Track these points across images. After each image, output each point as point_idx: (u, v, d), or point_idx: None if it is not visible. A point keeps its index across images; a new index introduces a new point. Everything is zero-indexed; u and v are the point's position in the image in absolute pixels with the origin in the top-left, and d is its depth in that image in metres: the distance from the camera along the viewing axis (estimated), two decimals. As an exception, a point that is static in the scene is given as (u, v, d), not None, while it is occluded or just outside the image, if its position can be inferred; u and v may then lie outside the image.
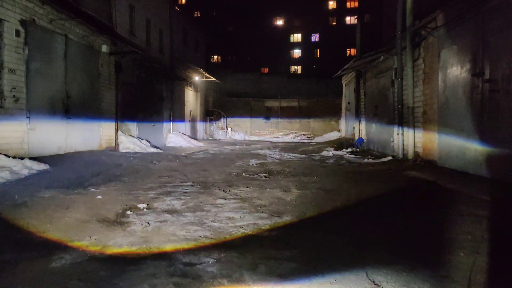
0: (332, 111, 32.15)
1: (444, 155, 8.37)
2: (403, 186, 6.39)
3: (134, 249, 3.26)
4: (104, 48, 11.89)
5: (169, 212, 4.62)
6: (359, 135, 16.69)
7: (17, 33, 8.18)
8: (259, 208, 4.87)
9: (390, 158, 10.73)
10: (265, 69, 55.24)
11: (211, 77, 25.30)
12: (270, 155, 13.04)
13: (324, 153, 13.90)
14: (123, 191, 5.92)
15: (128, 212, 4.56)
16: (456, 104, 7.88)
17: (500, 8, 6.43)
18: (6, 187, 5.83)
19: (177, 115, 20.95)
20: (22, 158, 7.47)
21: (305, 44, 57.44)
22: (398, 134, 10.72)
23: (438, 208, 4.73)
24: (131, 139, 13.30)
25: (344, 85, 23.52)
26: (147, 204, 4.99)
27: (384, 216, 4.41)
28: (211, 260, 3.00)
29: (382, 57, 12.60)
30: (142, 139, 14.06)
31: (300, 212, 4.64)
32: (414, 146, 9.97)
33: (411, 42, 9.78)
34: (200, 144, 19.39)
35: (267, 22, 57.19)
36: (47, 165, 7.56)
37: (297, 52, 58.42)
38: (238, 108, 33.79)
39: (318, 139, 27.23)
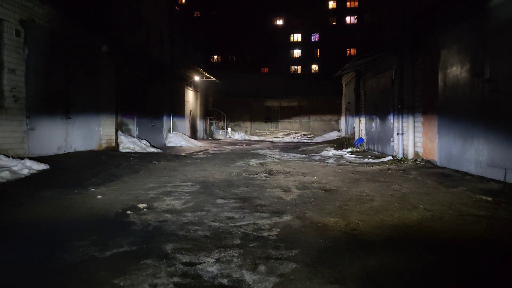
0: (332, 111, 32.13)
1: (444, 155, 8.38)
2: (402, 186, 6.39)
3: (134, 249, 3.26)
4: (104, 48, 11.90)
5: (169, 212, 4.62)
6: (359, 135, 16.69)
7: (17, 33, 8.18)
8: (259, 208, 4.87)
9: (390, 158, 10.74)
10: (265, 69, 55.31)
11: (211, 77, 25.30)
12: (270, 155, 13.05)
13: (324, 153, 13.89)
14: (123, 191, 5.92)
15: (128, 212, 4.56)
16: (456, 104, 7.88)
17: (500, 8, 6.43)
18: (6, 187, 5.84)
19: (177, 115, 20.95)
20: (22, 158, 7.47)
21: (305, 44, 57.50)
22: (398, 134, 10.73)
23: (438, 208, 4.74)
24: (131, 139, 13.30)
25: (344, 85, 23.53)
26: (147, 204, 4.99)
27: (384, 215, 4.41)
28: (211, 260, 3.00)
29: (382, 57, 12.60)
30: (142, 139, 14.07)
31: (301, 212, 4.65)
32: (414, 146, 9.97)
33: (411, 42, 9.79)
34: (200, 144, 19.39)
35: (267, 22, 57.23)
36: (47, 165, 7.56)
37: (297, 52, 58.48)
38: (238, 108, 33.74)
39: (318, 139, 27.23)
